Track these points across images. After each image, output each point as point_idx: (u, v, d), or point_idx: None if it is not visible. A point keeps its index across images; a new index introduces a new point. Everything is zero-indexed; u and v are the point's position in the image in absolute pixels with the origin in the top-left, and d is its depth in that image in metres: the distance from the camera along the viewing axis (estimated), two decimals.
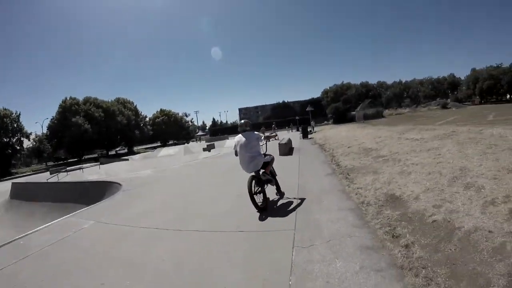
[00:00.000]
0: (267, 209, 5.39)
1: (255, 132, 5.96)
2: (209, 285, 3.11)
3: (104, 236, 5.20)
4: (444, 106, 67.63)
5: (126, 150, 75.87)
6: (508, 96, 79.66)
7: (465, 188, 4.30)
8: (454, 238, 3.20)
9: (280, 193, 6.20)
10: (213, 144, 29.44)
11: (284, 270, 3.15)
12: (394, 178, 5.85)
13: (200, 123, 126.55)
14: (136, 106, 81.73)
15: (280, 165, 8.83)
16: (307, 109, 41.33)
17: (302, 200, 5.74)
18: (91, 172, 20.61)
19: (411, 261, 3.01)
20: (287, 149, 14.47)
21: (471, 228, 3.23)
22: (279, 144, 14.80)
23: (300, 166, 10.30)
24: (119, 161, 32.21)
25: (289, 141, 16.16)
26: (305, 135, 26.61)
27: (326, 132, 28.30)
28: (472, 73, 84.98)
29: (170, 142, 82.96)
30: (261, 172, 5.62)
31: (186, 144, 51.58)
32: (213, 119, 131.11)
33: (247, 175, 5.51)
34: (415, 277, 2.78)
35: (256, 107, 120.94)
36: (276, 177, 6.28)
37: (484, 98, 79.61)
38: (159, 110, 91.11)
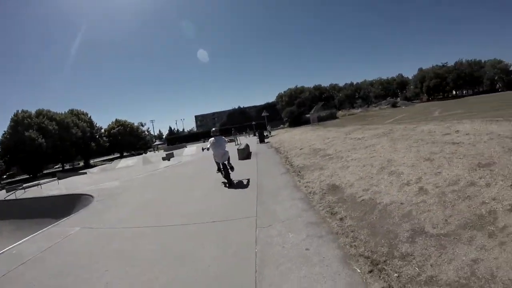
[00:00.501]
0: (233, 184, 9.16)
1: (222, 137, 10.20)
2: (192, 261, 4.28)
3: (93, 238, 6.19)
4: (394, 105, 74.18)
5: (82, 164, 74.17)
6: (454, 92, 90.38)
7: (389, 175, 5.93)
8: (376, 210, 4.71)
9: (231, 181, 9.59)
10: (172, 153, 30.42)
11: (250, 243, 4.49)
12: (335, 172, 7.50)
13: (156, 132, 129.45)
14: (90, 117, 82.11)
15: (240, 168, 11.48)
16: (263, 114, 44.14)
17: (261, 194, 7.17)
18: (50, 188, 20.27)
19: (343, 228, 4.45)
20: (245, 153, 16.59)
21: (388, 202, 4.78)
22: (237, 149, 16.94)
23: (258, 168, 12.22)
24: (77, 175, 31.80)
25: (247, 146, 18.61)
26: (261, 139, 29.67)
27: (282, 136, 31.35)
28: (419, 72, 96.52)
29: (127, 153, 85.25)
30: (226, 162, 9.58)
31: (144, 154, 52.60)
32: (170, 127, 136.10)
33: (209, 181, 8.22)
34: (346, 237, 4.22)
35: (212, 114, 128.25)
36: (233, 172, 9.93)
37: (432, 95, 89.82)
38: (114, 120, 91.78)
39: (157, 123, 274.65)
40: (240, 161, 15.28)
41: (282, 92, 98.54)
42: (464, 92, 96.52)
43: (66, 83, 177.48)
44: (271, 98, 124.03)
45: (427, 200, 4.42)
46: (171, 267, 4.21)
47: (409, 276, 3.09)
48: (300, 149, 14.58)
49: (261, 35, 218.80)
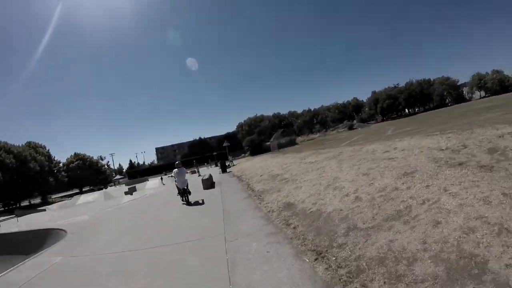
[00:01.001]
0: (190, 203, 12.35)
1: (183, 168, 13.84)
2: (179, 269, 5.33)
3: (79, 264, 7.00)
4: (351, 127, 78.61)
5: (40, 200, 70.98)
6: (406, 111, 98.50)
7: (333, 190, 7.44)
8: (321, 218, 6.09)
9: (188, 200, 12.99)
10: (134, 187, 30.74)
11: (222, 253, 5.63)
12: (290, 193, 8.97)
13: (116, 166, 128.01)
14: (48, 150, 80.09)
15: (206, 196, 13.50)
16: (224, 144, 45.92)
17: (227, 216, 8.48)
18: (10, 225, 19.64)
19: (296, 234, 5.76)
20: (209, 183, 18.26)
21: (331, 211, 6.18)
22: (202, 180, 18.67)
23: (222, 196, 13.61)
24: (36, 212, 30.89)
25: (210, 176, 19.90)
26: (224, 169, 31.88)
27: (243, 165, 33.53)
28: (372, 95, 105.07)
29: (86, 188, 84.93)
30: (186, 187, 12.91)
31: (105, 190, 53.29)
32: (130, 161, 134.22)
33: (177, 211, 10.96)
34: (297, 240, 5.53)
35: (173, 146, 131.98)
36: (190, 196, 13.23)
37: (386, 115, 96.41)
38: (73, 154, 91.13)
39: (117, 157, 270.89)
40: (205, 190, 16.90)
41: (242, 121, 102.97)
42: (416, 109, 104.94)
43: (21, 113, 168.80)
44: (231, 127, 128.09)
45: (360, 205, 5.88)
46: (162, 275, 5.28)
47: (343, 257, 4.41)
48: (260, 176, 16.32)
49: (217, 66, 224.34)
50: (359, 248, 4.46)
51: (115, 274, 5.93)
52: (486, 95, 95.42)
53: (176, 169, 13.36)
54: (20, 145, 72.13)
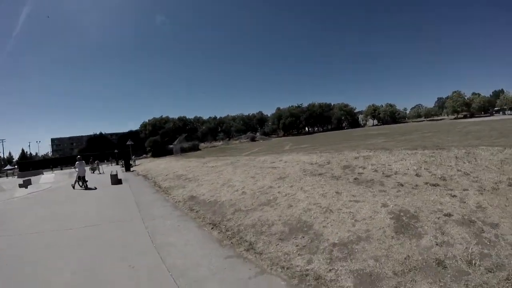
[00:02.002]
0: (87, 188, 17.33)
1: (83, 161, 19.19)
2: (103, 241, 7.07)
3: (11, 240, 7.75)
4: (253, 139, 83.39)
5: None
6: (306, 129, 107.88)
7: (227, 187, 9.96)
8: (217, 205, 8.54)
9: (86, 186, 18.10)
10: (30, 179, 28.86)
11: (142, 229, 7.56)
12: (193, 189, 11.35)
13: (6, 155, 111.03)
14: None
15: (116, 191, 15.21)
16: (128, 143, 45.18)
17: (140, 205, 10.30)
18: None
19: (198, 215, 8.12)
20: (116, 179, 19.80)
21: (224, 200, 8.70)
22: (110, 175, 20.31)
23: (132, 190, 15.18)
24: None
25: (117, 172, 21.78)
26: (127, 168, 32.98)
27: (147, 165, 34.61)
28: (277, 111, 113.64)
29: None
30: (83, 175, 18.43)
31: None
32: (23, 150, 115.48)
33: (93, 203, 12.36)
34: (199, 218, 7.85)
35: (70, 138, 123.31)
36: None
37: (287, 131, 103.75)
38: None
39: (8, 144, 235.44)
40: (113, 186, 18.57)
41: (147, 121, 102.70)
42: (315, 129, 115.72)
43: None
44: (134, 125, 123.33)
45: (245, 197, 8.53)
46: (96, 246, 6.87)
47: (229, 226, 6.88)
48: (166, 175, 18.49)
49: (126, 61, 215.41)
50: (240, 221, 6.97)
51: (47, 251, 6.83)
52: (379, 124, 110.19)
53: (77, 162, 18.46)
54: None
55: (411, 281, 3.64)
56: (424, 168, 7.55)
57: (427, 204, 5.49)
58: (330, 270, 4.20)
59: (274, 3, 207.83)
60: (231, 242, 5.94)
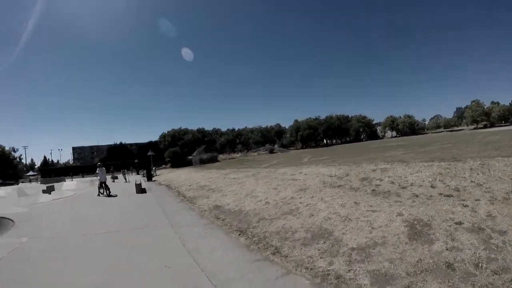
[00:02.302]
0: (110, 195, 18.73)
1: (103, 168, 20.50)
2: (144, 248, 7.69)
3: (49, 243, 8.37)
4: (271, 151, 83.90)
5: None
6: (324, 141, 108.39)
7: (250, 197, 10.54)
8: (242, 214, 9.06)
9: (109, 193, 19.54)
10: (53, 186, 30.00)
11: (172, 234, 8.15)
12: (218, 199, 11.93)
13: (28, 161, 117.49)
14: None
15: (141, 199, 15.87)
16: (149, 153, 46.51)
17: (166, 214, 10.93)
18: None
19: (225, 223, 8.66)
20: (140, 188, 20.64)
21: (249, 210, 9.19)
22: (135, 184, 21.40)
23: (157, 199, 15.91)
24: None
25: (141, 182, 23.55)
26: (149, 177, 34.62)
27: (167, 175, 36.08)
28: (294, 123, 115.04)
29: None
30: (105, 182, 19.93)
31: (18, 185, 51.70)
32: (45, 157, 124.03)
33: (120, 209, 12.90)
34: (225, 226, 8.43)
35: (91, 147, 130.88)
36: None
37: (305, 143, 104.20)
38: None
39: (30, 151, 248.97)
40: (138, 194, 19.41)
41: (166, 132, 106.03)
42: (333, 141, 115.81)
43: None
44: (153, 136, 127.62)
45: (268, 207, 9.06)
46: (129, 250, 7.50)
47: (255, 232, 7.41)
48: (189, 185, 19.28)
49: (142, 73, 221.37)
50: (265, 228, 7.49)
51: (85, 251, 7.56)
52: (397, 135, 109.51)
53: (98, 168, 20.12)
54: None
55: (422, 281, 4.07)
56: (439, 180, 7.95)
57: (440, 213, 5.91)
58: (349, 270, 4.67)
59: (299, 9, 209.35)
60: (258, 247, 6.45)
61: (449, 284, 3.91)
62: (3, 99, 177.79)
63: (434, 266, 4.33)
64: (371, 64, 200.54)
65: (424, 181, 8.18)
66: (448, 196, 6.86)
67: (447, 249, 4.66)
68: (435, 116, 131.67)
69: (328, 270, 4.82)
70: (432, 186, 7.67)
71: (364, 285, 4.25)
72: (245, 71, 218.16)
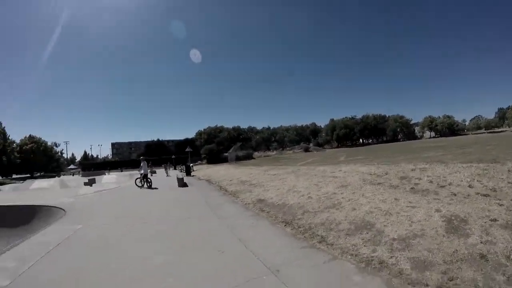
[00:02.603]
0: (151, 187, 20.89)
1: (145, 161, 23.02)
2: (196, 235, 8.54)
3: (103, 229, 9.33)
4: (307, 150, 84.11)
5: None
6: (360, 141, 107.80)
7: (293, 192, 11.24)
8: (286, 207, 9.78)
9: (150, 186, 21.66)
10: (94, 178, 32.15)
11: (221, 225, 8.94)
12: (260, 193, 12.71)
13: (69, 156, 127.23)
14: (4, 128, 75.63)
15: (184, 193, 16.91)
16: (186, 150, 48.81)
17: (211, 206, 11.73)
18: None
19: (270, 215, 9.42)
20: (182, 182, 22.09)
21: (292, 203, 9.92)
22: (177, 178, 23.12)
23: (199, 192, 17.04)
24: None
25: (183, 176, 25.46)
26: (188, 173, 36.70)
27: (205, 171, 37.47)
28: (330, 122, 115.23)
29: (37, 174, 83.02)
30: (147, 174, 22.27)
31: (59, 178, 54.90)
32: (85, 152, 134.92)
33: (166, 202, 14.00)
34: (271, 217, 9.17)
35: (130, 143, 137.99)
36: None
37: (341, 142, 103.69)
38: (27, 136, 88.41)
39: (71, 146, 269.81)
40: (179, 188, 20.68)
41: (202, 130, 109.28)
42: (370, 140, 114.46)
43: None
44: (189, 133, 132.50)
45: (311, 201, 9.70)
46: (181, 237, 8.38)
47: (301, 224, 8.08)
48: (230, 180, 20.20)
49: (182, 72, 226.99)
50: (310, 220, 8.15)
51: (138, 237, 8.39)
52: (436, 136, 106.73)
53: (141, 162, 22.33)
54: None
55: (457, 268, 4.58)
56: (477, 180, 8.29)
57: (476, 210, 6.34)
58: (391, 257, 5.25)
59: (326, 10, 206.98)
60: (304, 236, 7.12)
61: (482, 272, 4.38)
62: (46, 98, 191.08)
63: (469, 256, 4.80)
64: (407, 63, 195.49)
65: (462, 181, 8.54)
66: (485, 195, 7.23)
67: (481, 242, 5.11)
68: (476, 116, 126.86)
69: (372, 257, 5.40)
70: (469, 186, 8.04)
71: (405, 269, 4.80)
72: (282, 72, 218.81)
